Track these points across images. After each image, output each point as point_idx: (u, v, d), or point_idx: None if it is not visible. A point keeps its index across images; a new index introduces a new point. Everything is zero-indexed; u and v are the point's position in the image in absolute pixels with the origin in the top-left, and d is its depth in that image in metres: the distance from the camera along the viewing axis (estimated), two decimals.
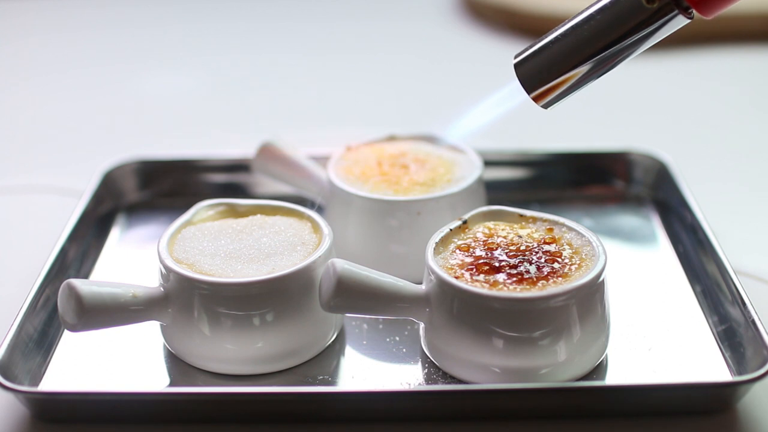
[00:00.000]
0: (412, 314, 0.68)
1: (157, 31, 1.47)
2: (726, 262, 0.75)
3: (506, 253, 0.69)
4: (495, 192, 0.86)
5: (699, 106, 1.19)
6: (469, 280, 0.66)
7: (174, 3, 1.56)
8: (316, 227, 0.73)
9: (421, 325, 0.70)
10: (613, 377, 0.68)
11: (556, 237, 0.70)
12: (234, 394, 0.66)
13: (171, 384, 0.69)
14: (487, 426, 0.65)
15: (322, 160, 0.85)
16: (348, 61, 1.35)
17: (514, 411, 0.66)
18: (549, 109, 0.67)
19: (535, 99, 0.67)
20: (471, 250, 0.69)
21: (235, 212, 0.75)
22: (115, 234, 0.88)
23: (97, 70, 1.33)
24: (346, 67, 1.33)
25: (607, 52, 0.64)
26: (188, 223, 0.74)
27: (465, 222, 0.72)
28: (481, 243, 0.70)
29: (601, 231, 0.84)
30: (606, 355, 0.70)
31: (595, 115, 1.16)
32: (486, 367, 0.66)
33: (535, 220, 0.72)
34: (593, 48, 0.64)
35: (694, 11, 0.63)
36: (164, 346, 0.71)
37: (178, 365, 0.70)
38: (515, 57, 0.67)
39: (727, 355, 0.70)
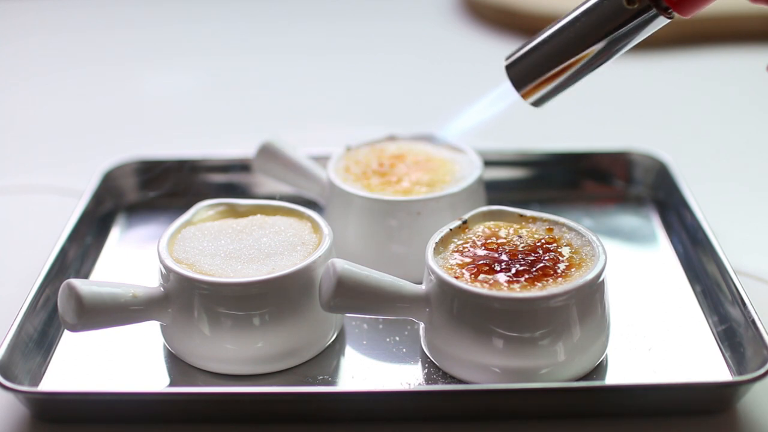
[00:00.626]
0: (412, 314, 0.68)
1: (158, 31, 1.47)
2: (726, 262, 0.75)
3: (506, 253, 0.69)
4: (495, 192, 0.87)
5: (699, 106, 1.19)
6: (469, 280, 0.66)
7: (174, 3, 1.56)
8: (316, 227, 0.73)
9: (421, 325, 0.70)
10: (613, 377, 0.68)
11: (556, 237, 0.71)
12: (234, 394, 0.66)
13: (171, 384, 0.69)
14: (487, 426, 0.65)
15: (322, 160, 0.85)
16: (348, 61, 1.35)
17: (514, 411, 0.66)
18: (540, 107, 0.71)
19: (526, 97, 0.70)
20: (471, 250, 0.69)
21: (235, 212, 0.75)
22: (115, 234, 0.88)
23: (97, 70, 1.33)
24: (346, 67, 1.33)
25: (592, 51, 0.67)
26: (188, 223, 0.74)
27: (465, 222, 0.72)
28: (481, 243, 0.70)
29: (601, 231, 0.84)
30: (606, 355, 0.70)
31: (595, 115, 1.16)
32: (486, 367, 0.66)
33: (535, 220, 0.72)
34: (579, 48, 0.68)
35: (673, 11, 0.65)
36: (164, 346, 0.71)
37: (178, 365, 0.70)
38: (506, 59, 0.70)
39: (727, 355, 0.70)
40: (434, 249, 0.69)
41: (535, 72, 0.69)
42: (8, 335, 0.68)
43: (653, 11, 0.65)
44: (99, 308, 0.65)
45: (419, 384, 0.68)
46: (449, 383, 0.68)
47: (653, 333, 0.72)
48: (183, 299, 0.68)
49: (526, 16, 1.35)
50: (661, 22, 0.66)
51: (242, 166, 0.93)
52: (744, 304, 0.70)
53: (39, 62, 1.37)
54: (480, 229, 0.71)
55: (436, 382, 0.68)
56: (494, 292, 0.65)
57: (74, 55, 1.39)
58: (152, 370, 0.70)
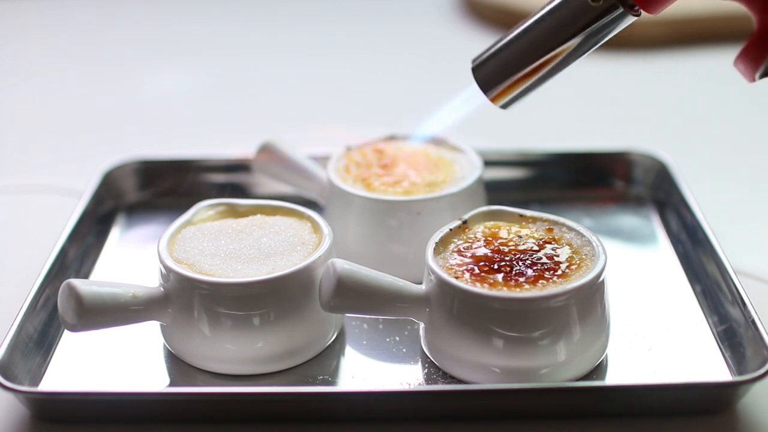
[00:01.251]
0: (412, 314, 0.68)
1: (158, 30, 1.47)
2: (726, 262, 0.75)
3: (506, 253, 0.69)
4: (495, 192, 0.86)
5: (699, 106, 1.19)
6: (469, 280, 0.66)
7: (174, 3, 1.56)
8: (316, 227, 0.73)
9: (421, 325, 0.70)
10: (613, 377, 0.68)
11: (556, 237, 0.71)
12: (234, 394, 0.66)
13: (171, 384, 0.69)
14: (487, 426, 0.65)
15: (322, 160, 0.85)
16: (348, 61, 1.35)
17: (514, 411, 0.66)
18: (508, 109, 0.69)
19: (493, 100, 0.69)
20: (471, 250, 0.69)
21: (235, 212, 0.75)
22: (115, 234, 0.88)
23: (97, 70, 1.33)
24: (346, 67, 1.33)
25: (558, 51, 0.66)
26: (188, 223, 0.74)
27: (465, 222, 0.72)
28: (481, 243, 0.70)
29: (601, 231, 0.84)
30: (606, 355, 0.70)
31: (595, 115, 1.16)
32: (486, 367, 0.66)
33: (535, 220, 0.72)
34: (545, 48, 0.67)
35: (640, 9, 0.64)
36: (164, 346, 0.71)
37: (178, 365, 0.70)
38: (472, 61, 0.69)
39: (727, 355, 0.70)
40: (434, 249, 0.69)
41: (502, 74, 0.68)
42: (8, 335, 0.68)
43: (619, 9, 0.64)
44: (99, 308, 0.65)
45: (419, 384, 0.68)
46: (449, 383, 0.68)
47: (653, 333, 0.72)
48: (183, 299, 0.68)
49: (526, 16, 1.35)
50: (629, 20, 0.65)
51: (242, 166, 0.93)
52: (744, 304, 0.70)
53: (39, 62, 1.37)
54: (480, 229, 0.71)
55: (436, 382, 0.68)
56: (494, 292, 0.65)
57: (74, 55, 1.39)
58: (152, 370, 0.70)
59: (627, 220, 0.89)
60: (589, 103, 1.19)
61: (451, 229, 0.71)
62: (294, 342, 0.69)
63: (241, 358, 0.68)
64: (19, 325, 0.69)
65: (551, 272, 0.67)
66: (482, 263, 0.68)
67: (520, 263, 0.68)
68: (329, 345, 0.72)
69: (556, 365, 0.66)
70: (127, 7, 1.55)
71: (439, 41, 1.42)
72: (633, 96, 1.22)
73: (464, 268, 0.67)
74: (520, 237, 0.70)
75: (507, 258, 0.68)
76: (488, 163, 0.87)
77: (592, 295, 0.66)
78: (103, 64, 1.35)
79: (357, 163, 0.82)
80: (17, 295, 0.74)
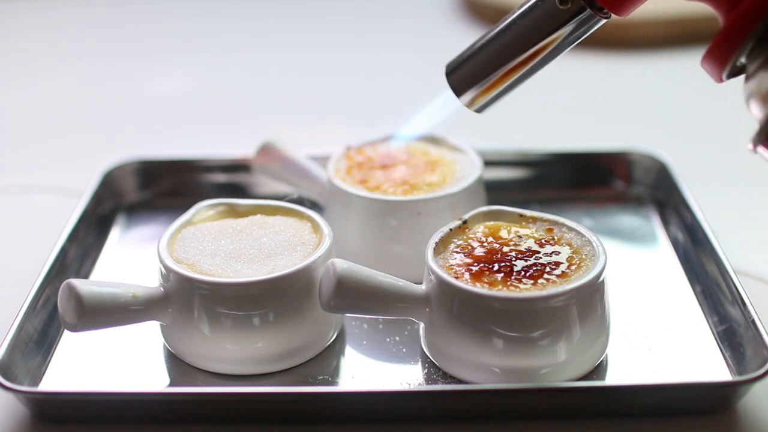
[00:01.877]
0: (412, 314, 0.68)
1: (158, 30, 1.47)
2: (726, 262, 0.75)
3: (506, 253, 0.69)
4: (495, 192, 0.86)
5: (699, 106, 1.19)
6: (469, 280, 0.66)
7: (174, 3, 1.56)
8: (316, 227, 0.73)
9: (421, 325, 0.70)
10: (613, 377, 0.68)
11: (556, 237, 0.71)
12: (234, 394, 0.66)
13: (171, 384, 0.69)
14: (487, 426, 0.65)
15: (322, 160, 0.85)
16: (348, 61, 1.35)
17: (514, 411, 0.66)
18: (483, 113, 0.69)
19: (468, 105, 0.69)
20: (471, 250, 0.69)
21: (235, 212, 0.75)
22: (115, 234, 0.88)
23: (98, 69, 1.33)
24: (346, 67, 1.33)
25: (528, 54, 0.66)
26: (188, 223, 0.74)
27: (465, 222, 0.72)
28: (481, 243, 0.70)
29: (601, 231, 0.84)
30: (606, 355, 0.70)
31: (595, 115, 1.16)
32: (486, 367, 0.66)
33: (535, 220, 0.72)
34: (516, 51, 0.66)
35: (609, 11, 0.64)
36: (164, 346, 0.71)
37: (178, 365, 0.70)
38: (446, 66, 0.69)
39: (727, 355, 0.70)
40: (434, 249, 0.69)
41: (474, 79, 0.68)
42: (8, 335, 0.68)
43: (587, 12, 0.64)
44: (99, 308, 0.65)
45: (419, 384, 0.68)
46: (449, 383, 0.68)
47: (653, 333, 0.72)
48: (183, 299, 0.68)
49: None
50: (598, 22, 0.65)
51: (242, 166, 0.93)
52: (744, 304, 0.70)
53: (39, 62, 1.37)
54: (480, 229, 0.71)
55: (436, 382, 0.68)
56: (494, 292, 0.65)
57: (74, 55, 1.39)
58: (152, 370, 0.70)
59: (627, 220, 0.89)
60: (589, 103, 1.19)
61: (451, 229, 0.71)
62: (294, 342, 0.69)
63: (241, 358, 0.68)
64: (19, 325, 0.69)
65: (551, 272, 0.67)
66: (482, 263, 0.68)
67: (520, 263, 0.68)
68: (329, 345, 0.72)
69: (556, 365, 0.66)
70: (127, 7, 1.55)
71: (439, 41, 1.42)
72: (633, 96, 1.22)
73: (464, 268, 0.67)
74: (520, 237, 0.70)
75: (507, 258, 0.68)
76: (488, 163, 0.87)
77: (592, 295, 0.66)
78: (104, 63, 1.35)
79: (357, 163, 0.82)
80: (17, 295, 0.74)
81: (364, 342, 0.73)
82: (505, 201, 0.77)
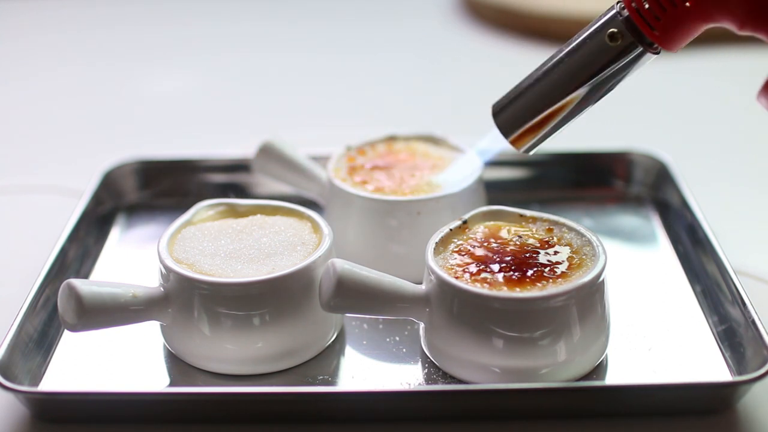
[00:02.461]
0: (412, 314, 0.68)
1: (158, 30, 1.47)
2: (726, 262, 0.75)
3: (506, 253, 0.69)
4: (495, 192, 0.86)
5: (699, 106, 1.19)
6: (469, 280, 0.66)
7: (174, 3, 1.56)
8: (316, 227, 0.73)
9: (421, 325, 0.70)
10: (613, 377, 0.68)
11: (556, 237, 0.70)
12: (234, 394, 0.66)
13: (171, 384, 0.69)
14: (487, 426, 0.65)
15: (322, 160, 0.85)
16: (348, 60, 1.35)
17: (514, 411, 0.66)
18: (531, 153, 0.68)
19: (515, 144, 0.67)
20: (471, 250, 0.69)
21: (235, 212, 0.75)
22: (115, 234, 0.88)
23: (98, 69, 1.33)
24: (346, 67, 1.33)
25: (578, 94, 0.65)
26: (188, 223, 0.74)
27: (465, 222, 0.72)
28: (481, 243, 0.70)
29: (601, 231, 0.84)
30: (606, 355, 0.70)
31: (595, 115, 1.16)
32: (486, 367, 0.66)
33: (535, 220, 0.72)
34: (564, 92, 0.65)
35: (659, 47, 0.63)
36: (164, 346, 0.71)
37: (178, 365, 0.70)
38: (492, 107, 0.67)
39: (727, 355, 0.70)
40: (434, 249, 0.69)
41: (522, 119, 0.66)
42: (8, 335, 0.68)
43: (638, 48, 0.63)
44: (99, 308, 0.65)
45: (419, 384, 0.68)
46: (449, 383, 0.68)
47: (653, 333, 0.72)
48: (183, 299, 0.68)
49: (526, 16, 1.35)
50: (648, 57, 0.64)
51: (242, 166, 0.93)
52: (744, 304, 0.70)
53: (39, 62, 1.37)
54: (480, 229, 0.71)
55: (436, 382, 0.68)
56: (494, 292, 0.65)
57: (74, 54, 1.39)
58: (152, 370, 0.70)
59: (627, 220, 0.89)
60: None
61: (451, 229, 0.71)
62: (294, 342, 0.69)
63: (241, 358, 0.68)
64: (19, 325, 0.69)
65: (551, 272, 0.67)
66: (482, 263, 0.68)
67: (520, 263, 0.68)
68: (329, 345, 0.72)
69: (556, 365, 0.66)
70: (127, 7, 1.55)
71: (439, 41, 1.42)
72: (633, 96, 1.22)
73: (464, 268, 0.67)
74: (520, 237, 0.70)
75: (507, 258, 0.68)
76: (488, 163, 0.87)
77: (592, 295, 0.66)
78: (103, 63, 1.35)
79: (357, 163, 0.82)
80: (17, 295, 0.74)
81: (364, 342, 0.73)
82: (505, 201, 0.77)
